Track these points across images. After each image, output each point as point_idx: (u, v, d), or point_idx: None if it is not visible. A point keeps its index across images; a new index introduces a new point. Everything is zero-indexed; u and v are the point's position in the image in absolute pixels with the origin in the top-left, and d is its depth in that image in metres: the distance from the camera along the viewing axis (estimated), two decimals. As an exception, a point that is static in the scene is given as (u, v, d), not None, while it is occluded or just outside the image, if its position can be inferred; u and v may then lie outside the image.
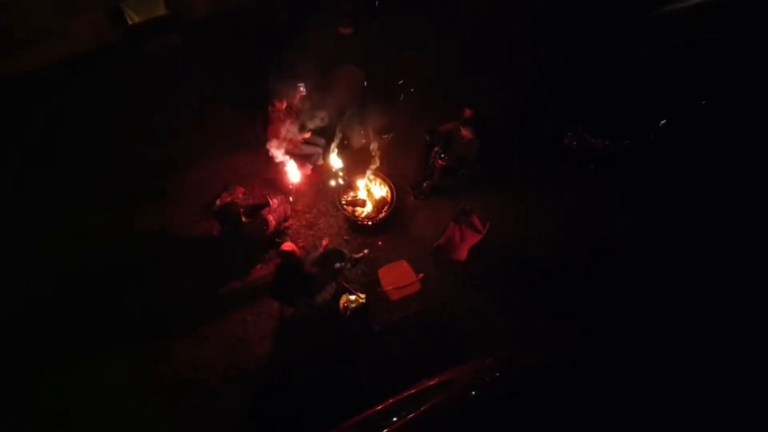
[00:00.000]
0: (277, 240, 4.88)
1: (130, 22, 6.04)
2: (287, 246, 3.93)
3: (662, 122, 5.26)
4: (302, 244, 4.93)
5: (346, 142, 5.50)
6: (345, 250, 4.52)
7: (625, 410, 4.04)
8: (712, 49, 5.55)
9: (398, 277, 4.46)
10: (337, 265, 4.28)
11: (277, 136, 4.93)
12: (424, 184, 5.30)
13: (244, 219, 4.81)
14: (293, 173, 5.16)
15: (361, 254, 4.72)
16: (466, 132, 4.82)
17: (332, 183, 5.34)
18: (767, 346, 4.38)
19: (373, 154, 5.19)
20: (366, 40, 6.24)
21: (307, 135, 5.20)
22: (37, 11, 5.67)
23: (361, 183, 5.24)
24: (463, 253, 4.55)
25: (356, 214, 5.11)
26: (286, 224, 5.05)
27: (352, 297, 4.47)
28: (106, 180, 5.33)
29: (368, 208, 5.15)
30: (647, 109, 5.37)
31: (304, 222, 5.16)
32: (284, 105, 4.94)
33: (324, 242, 4.30)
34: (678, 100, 5.44)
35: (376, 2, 6.79)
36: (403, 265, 4.56)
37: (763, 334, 4.46)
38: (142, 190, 5.28)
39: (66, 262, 4.77)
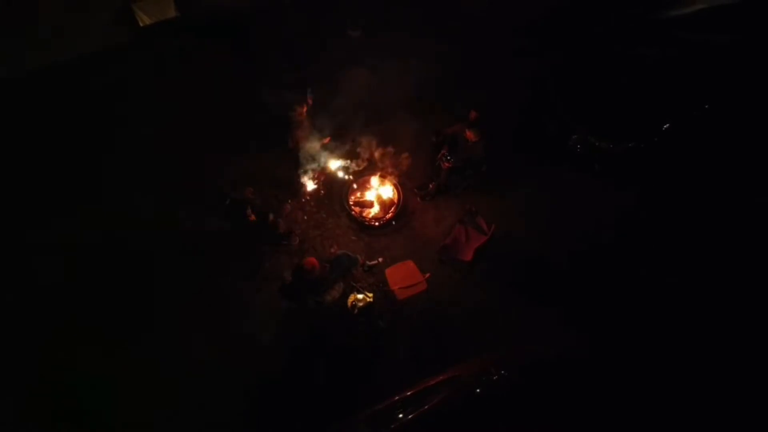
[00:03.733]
0: (289, 242, 4.99)
1: (141, 24, 6.12)
2: (309, 262, 3.71)
3: (666, 125, 5.29)
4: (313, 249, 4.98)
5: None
6: (359, 256, 4.55)
7: (626, 403, 4.10)
8: (716, 50, 5.55)
9: (405, 277, 4.54)
10: (354, 271, 4.33)
11: (300, 140, 5.04)
12: (430, 185, 5.36)
13: (252, 218, 4.91)
14: (310, 181, 5.27)
15: (375, 262, 4.79)
16: (471, 134, 4.85)
17: (340, 184, 5.41)
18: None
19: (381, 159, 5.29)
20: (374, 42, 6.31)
21: (326, 140, 5.27)
22: (50, 11, 5.76)
23: (368, 184, 5.33)
24: (468, 254, 4.62)
25: (363, 214, 5.18)
26: (297, 229, 5.15)
27: (360, 296, 4.56)
28: (116, 175, 5.44)
29: (375, 208, 5.22)
30: (651, 111, 5.40)
31: (312, 222, 5.23)
32: (305, 109, 5.02)
33: (333, 250, 4.38)
34: (681, 102, 5.46)
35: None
36: (410, 264, 4.64)
37: (764, 333, 4.51)
38: (154, 185, 5.38)
39: (77, 253, 4.91)
